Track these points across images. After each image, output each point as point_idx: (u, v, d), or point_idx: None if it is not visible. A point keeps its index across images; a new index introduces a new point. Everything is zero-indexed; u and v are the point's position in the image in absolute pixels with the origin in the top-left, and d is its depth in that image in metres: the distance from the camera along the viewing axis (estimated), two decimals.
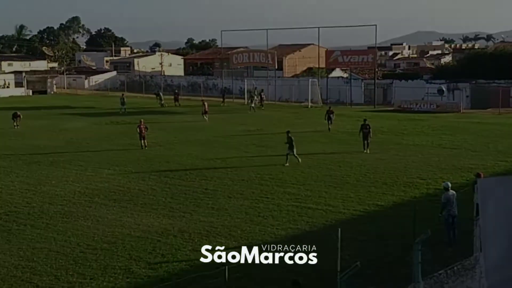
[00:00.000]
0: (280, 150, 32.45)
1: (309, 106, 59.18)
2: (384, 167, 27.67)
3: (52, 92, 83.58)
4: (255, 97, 57.75)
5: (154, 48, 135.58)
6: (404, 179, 25.31)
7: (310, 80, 62.24)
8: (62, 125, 45.13)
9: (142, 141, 33.54)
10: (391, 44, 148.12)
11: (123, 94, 58.34)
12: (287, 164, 27.84)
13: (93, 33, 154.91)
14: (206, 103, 47.86)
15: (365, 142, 31.69)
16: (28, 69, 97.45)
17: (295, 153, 28.20)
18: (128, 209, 21.05)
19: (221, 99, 62.34)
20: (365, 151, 31.48)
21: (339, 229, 12.14)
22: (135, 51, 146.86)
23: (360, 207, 20.90)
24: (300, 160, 28.11)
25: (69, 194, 23.34)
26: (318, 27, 66.14)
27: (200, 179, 25.61)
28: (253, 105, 55.43)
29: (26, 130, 42.50)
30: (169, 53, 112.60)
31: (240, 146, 34.43)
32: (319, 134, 39.24)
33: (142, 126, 33.57)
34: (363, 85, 65.64)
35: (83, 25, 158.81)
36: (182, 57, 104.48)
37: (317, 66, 69.73)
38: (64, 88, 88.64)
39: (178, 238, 17.70)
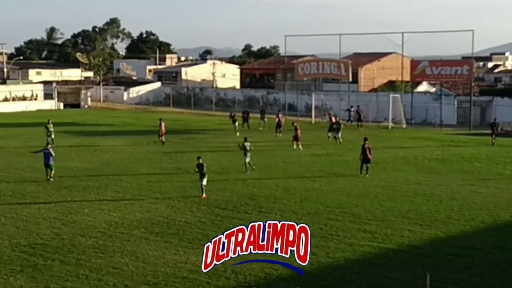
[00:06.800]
0: (354, 180, 32.34)
1: (390, 127, 58.79)
2: (481, 202, 27.24)
3: (86, 106, 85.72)
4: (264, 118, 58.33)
5: (205, 55, 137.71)
6: (507, 217, 24.86)
7: (391, 95, 61.96)
8: (96, 145, 46.11)
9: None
10: (491, 54, 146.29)
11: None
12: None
13: (134, 37, 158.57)
14: (163, 123, 46.56)
15: (365, 165, 33.64)
16: (59, 79, 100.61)
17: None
18: (173, 244, 21.29)
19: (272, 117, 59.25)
20: (364, 175, 33.41)
21: (428, 276, 12.00)
22: (182, 59, 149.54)
23: (451, 250, 20.55)
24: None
25: (104, 225, 23.78)
26: (402, 32, 65.96)
27: (257, 211, 25.70)
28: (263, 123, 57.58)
29: (56, 149, 43.52)
30: (223, 62, 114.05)
31: (306, 173, 34.45)
32: (401, 160, 38.92)
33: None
34: (456, 103, 64.78)
35: (123, 28, 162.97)
36: (237, 66, 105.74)
37: (399, 79, 69.33)
38: (99, 101, 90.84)
39: (231, 280, 17.78)
